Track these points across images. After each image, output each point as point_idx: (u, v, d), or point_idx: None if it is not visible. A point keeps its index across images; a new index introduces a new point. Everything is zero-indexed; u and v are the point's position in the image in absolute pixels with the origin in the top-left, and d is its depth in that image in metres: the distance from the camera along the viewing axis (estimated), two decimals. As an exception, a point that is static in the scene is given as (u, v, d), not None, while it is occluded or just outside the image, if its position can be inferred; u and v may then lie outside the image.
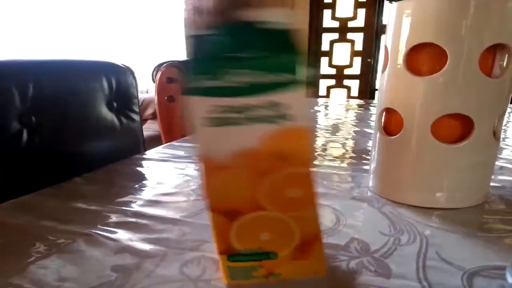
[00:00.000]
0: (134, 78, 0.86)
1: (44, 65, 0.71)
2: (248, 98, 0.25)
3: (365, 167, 0.60)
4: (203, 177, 0.26)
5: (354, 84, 3.27)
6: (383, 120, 0.48)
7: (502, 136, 0.83)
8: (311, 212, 0.28)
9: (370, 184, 0.51)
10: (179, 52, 2.91)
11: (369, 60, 3.15)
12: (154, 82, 1.31)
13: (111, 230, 0.39)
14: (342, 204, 0.46)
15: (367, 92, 3.21)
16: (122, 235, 0.38)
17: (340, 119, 1.11)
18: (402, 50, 0.42)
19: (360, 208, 0.45)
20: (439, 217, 0.42)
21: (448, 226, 0.39)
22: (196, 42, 0.24)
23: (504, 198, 0.47)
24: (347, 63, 3.26)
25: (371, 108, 1.35)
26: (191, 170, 0.60)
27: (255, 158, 0.26)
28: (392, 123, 0.46)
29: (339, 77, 3.31)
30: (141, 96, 2.37)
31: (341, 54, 3.27)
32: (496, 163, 0.62)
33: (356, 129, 0.94)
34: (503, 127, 0.93)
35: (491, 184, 0.47)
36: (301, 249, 0.29)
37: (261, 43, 0.24)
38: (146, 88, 2.53)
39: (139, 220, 0.42)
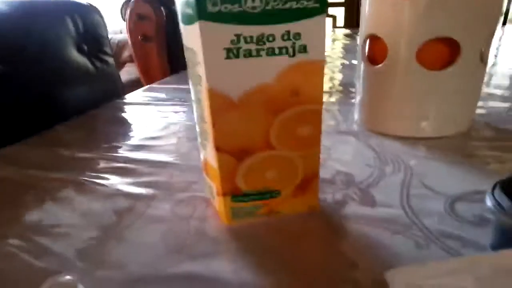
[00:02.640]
0: (101, 16, 0.81)
1: (2, 8, 0.66)
2: (267, 26, 0.23)
3: (353, 100, 0.60)
4: (209, 116, 0.25)
5: (340, 12, 3.16)
6: (366, 49, 0.47)
7: (492, 62, 0.83)
8: (316, 149, 0.29)
9: (356, 117, 0.51)
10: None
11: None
12: (124, 21, 1.24)
13: (100, 176, 0.39)
14: (329, 138, 0.46)
15: (353, 20, 3.12)
16: (112, 180, 0.38)
17: (326, 51, 1.09)
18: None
19: (346, 142, 0.46)
20: (425, 147, 0.42)
21: (434, 155, 0.40)
22: None
23: (490, 125, 0.48)
24: (331, -10, 3.13)
25: (358, 38, 1.31)
26: (174, 112, 0.60)
27: (269, 94, 0.25)
28: (376, 52, 0.45)
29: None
30: (116, 37, 2.26)
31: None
32: (485, 90, 0.62)
33: (344, 61, 0.93)
34: (494, 53, 0.92)
35: (479, 111, 0.47)
36: (301, 186, 0.30)
37: None
38: (119, 28, 2.39)
39: (127, 165, 0.42)
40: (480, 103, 0.54)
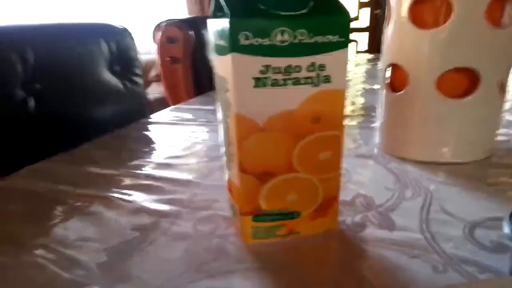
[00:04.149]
0: (133, 39, 0.85)
1: (42, 29, 0.70)
2: (294, 58, 0.25)
3: (373, 124, 0.61)
4: (235, 139, 0.27)
5: (362, 38, 3.18)
6: (388, 76, 0.48)
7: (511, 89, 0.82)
8: (336, 173, 0.30)
9: (377, 141, 0.51)
10: (179, 10, 2.84)
11: (377, 11, 3.05)
12: (154, 43, 1.29)
13: (126, 193, 0.41)
14: (349, 161, 0.46)
15: (376, 45, 3.13)
16: (136, 197, 0.40)
17: (348, 75, 1.09)
18: (406, 1, 0.41)
19: (366, 165, 0.46)
20: (445, 172, 0.42)
21: (453, 181, 0.40)
22: None
23: (510, 151, 0.48)
24: (354, 15, 3.16)
25: (380, 64, 1.31)
26: (199, 132, 0.61)
27: (292, 120, 0.27)
28: (397, 79, 0.46)
29: (346, 30, 3.21)
30: (144, 57, 2.33)
31: (347, 5, 3.16)
32: (508, 117, 0.62)
33: (366, 85, 0.93)
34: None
35: (498, 138, 0.47)
36: (321, 208, 0.31)
37: (310, 2, 0.25)
38: (148, 49, 2.47)
39: (152, 183, 0.43)
40: (503, 131, 0.54)
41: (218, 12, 0.27)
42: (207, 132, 0.61)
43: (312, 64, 0.26)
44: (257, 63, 0.25)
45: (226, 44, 0.25)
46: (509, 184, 0.39)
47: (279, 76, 0.25)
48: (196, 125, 0.65)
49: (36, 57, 0.65)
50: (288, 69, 0.25)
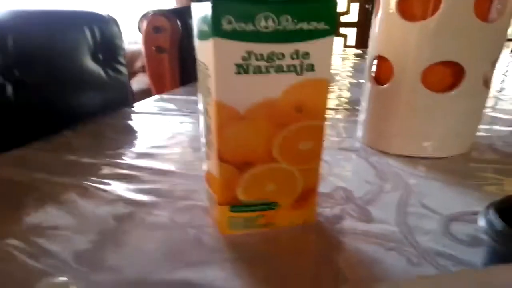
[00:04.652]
0: (119, 28, 0.83)
1: (24, 16, 0.68)
2: (278, 45, 0.24)
3: (358, 118, 0.60)
4: (215, 127, 0.26)
5: (351, 32, 3.19)
6: (374, 69, 0.48)
7: (499, 86, 0.83)
8: (316, 164, 0.29)
9: (359, 134, 0.51)
10: (167, 0, 2.80)
11: (367, 6, 3.06)
12: (140, 32, 1.27)
13: (103, 182, 0.40)
14: (331, 154, 0.46)
15: (364, 40, 3.14)
16: (114, 186, 0.39)
17: (335, 69, 1.10)
18: (395, -7, 0.41)
19: (348, 158, 0.46)
20: (425, 166, 0.43)
21: (433, 175, 0.41)
22: None
23: (492, 148, 0.48)
24: (344, 9, 3.16)
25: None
26: (181, 123, 0.60)
27: (274, 109, 0.26)
28: (382, 72, 0.46)
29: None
30: (130, 47, 2.30)
31: None
32: (490, 113, 0.62)
33: (352, 80, 0.93)
34: (502, 78, 0.93)
35: (482, 134, 0.48)
36: (300, 199, 0.30)
37: None
38: (134, 39, 2.44)
39: (132, 172, 0.42)
40: (484, 126, 0.54)
41: None
42: (191, 122, 0.60)
43: (296, 52, 0.25)
44: (239, 49, 0.24)
45: (208, 28, 0.24)
46: (487, 179, 0.40)
47: (262, 63, 0.25)
48: (180, 115, 0.64)
49: (16, 44, 0.63)
50: (271, 56, 0.25)
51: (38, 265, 0.27)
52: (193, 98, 0.76)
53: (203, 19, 0.25)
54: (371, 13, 0.46)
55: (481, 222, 0.23)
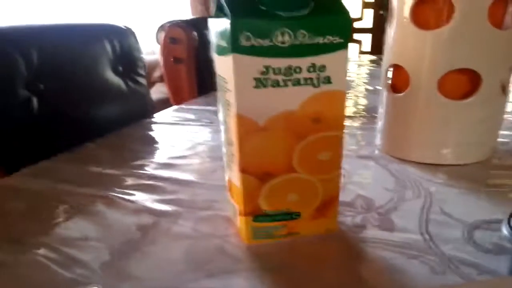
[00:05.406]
0: (136, 39, 0.85)
1: (46, 30, 0.71)
2: (294, 59, 0.25)
3: (375, 126, 0.60)
4: (236, 139, 0.27)
5: (366, 39, 3.17)
6: (390, 77, 0.48)
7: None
8: (336, 174, 0.30)
9: (378, 142, 0.51)
10: (183, 11, 2.84)
11: (381, 12, 3.05)
12: (158, 43, 1.29)
13: (128, 192, 0.41)
14: (349, 162, 0.47)
15: (379, 46, 3.11)
16: (138, 196, 0.40)
17: (351, 76, 1.09)
18: (409, 2, 0.41)
19: (367, 166, 0.46)
20: (445, 173, 0.42)
21: (453, 182, 0.40)
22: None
23: (511, 153, 0.47)
24: (358, 15, 3.16)
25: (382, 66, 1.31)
26: (202, 133, 0.61)
27: (293, 121, 0.27)
28: (399, 80, 0.46)
29: (349, 31, 3.20)
30: (148, 58, 2.34)
31: (351, 5, 3.16)
32: (510, 119, 0.61)
33: (368, 87, 0.93)
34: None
35: (500, 139, 0.47)
36: (321, 208, 0.31)
37: (311, 3, 0.25)
38: (152, 50, 2.48)
39: (154, 182, 0.43)
40: (504, 132, 0.54)
41: (219, 13, 0.27)
42: (210, 132, 0.61)
43: (313, 65, 0.26)
44: (257, 63, 0.25)
45: (227, 44, 0.25)
46: (509, 186, 0.39)
47: (280, 77, 0.26)
48: (199, 125, 0.65)
49: (40, 57, 0.65)
50: (288, 70, 0.25)
51: (68, 274, 0.28)
52: (211, 108, 0.77)
53: (222, 35, 0.26)
54: (385, 19, 0.46)
55: (504, 231, 0.24)
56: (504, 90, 0.43)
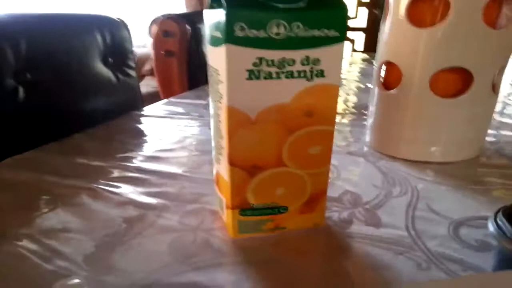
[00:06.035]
0: (129, 32, 0.84)
1: (36, 20, 0.69)
2: (288, 51, 0.25)
3: (365, 122, 0.61)
4: (226, 131, 0.27)
5: (359, 37, 3.18)
6: (382, 74, 0.48)
7: (508, 91, 0.83)
8: (325, 168, 0.29)
9: (367, 139, 0.51)
10: (177, 5, 2.82)
11: (375, 11, 3.05)
12: (150, 37, 1.28)
13: (113, 185, 0.40)
14: (339, 159, 0.46)
15: (373, 45, 3.12)
16: (124, 189, 0.39)
17: (343, 73, 1.10)
18: (404, 0, 0.41)
19: (356, 162, 0.46)
20: (433, 171, 0.43)
21: (441, 179, 0.41)
22: None
23: (500, 153, 0.48)
24: (352, 14, 3.16)
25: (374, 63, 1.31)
26: (191, 126, 0.61)
27: (284, 114, 0.27)
28: (391, 77, 0.46)
29: (343, 29, 3.20)
30: (139, 50, 2.32)
31: (346, 3, 3.16)
32: (498, 118, 0.62)
33: (359, 85, 0.93)
34: (511, 83, 0.92)
35: (489, 139, 0.48)
36: (308, 203, 0.30)
37: None
38: (143, 43, 2.46)
39: (140, 175, 0.43)
40: (492, 131, 0.54)
41: (214, 3, 0.27)
42: (199, 126, 0.61)
43: (307, 58, 0.25)
44: (251, 55, 0.25)
45: (221, 35, 0.24)
46: (496, 184, 0.40)
47: (273, 69, 0.25)
48: (188, 119, 0.65)
49: (29, 47, 0.64)
50: (282, 62, 0.25)
51: (50, 266, 0.28)
52: (201, 102, 0.77)
53: (216, 26, 0.25)
54: (380, 18, 0.46)
55: (491, 227, 0.24)
56: (494, 89, 0.43)
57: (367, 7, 3.13)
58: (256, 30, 0.24)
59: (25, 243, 0.30)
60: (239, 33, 0.24)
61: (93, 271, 0.27)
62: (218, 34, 0.25)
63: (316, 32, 0.25)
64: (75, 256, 0.29)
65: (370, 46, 3.11)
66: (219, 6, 0.24)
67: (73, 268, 0.28)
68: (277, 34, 0.24)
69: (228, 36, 0.24)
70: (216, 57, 0.26)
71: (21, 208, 0.36)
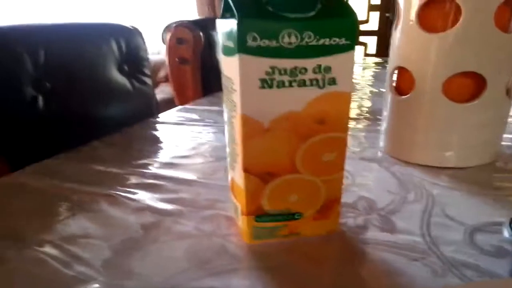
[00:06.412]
0: (143, 39, 0.86)
1: (54, 29, 0.71)
2: (300, 60, 0.25)
3: (379, 128, 0.60)
4: (240, 139, 0.27)
5: (371, 41, 3.17)
6: (395, 79, 0.48)
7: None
8: (339, 175, 0.30)
9: (381, 144, 0.51)
10: (190, 11, 2.85)
11: (387, 14, 3.04)
12: (164, 44, 1.29)
13: (130, 191, 0.41)
14: (353, 164, 0.47)
15: (385, 49, 3.11)
16: (141, 195, 0.40)
17: (356, 78, 1.09)
18: (415, 5, 0.41)
19: (370, 168, 0.46)
20: (448, 176, 0.42)
21: (456, 185, 0.40)
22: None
23: (515, 156, 0.47)
24: (364, 18, 3.15)
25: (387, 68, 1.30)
26: (205, 133, 0.62)
27: (297, 122, 0.27)
28: (403, 83, 0.46)
29: (355, 33, 3.20)
30: (153, 58, 2.35)
31: (357, 8, 3.16)
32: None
33: (373, 89, 0.93)
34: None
35: (503, 143, 0.47)
36: (323, 209, 0.31)
37: (318, 4, 0.25)
38: (157, 50, 2.49)
39: (157, 182, 0.44)
40: (508, 136, 0.53)
41: (226, 13, 0.27)
42: (213, 132, 0.62)
43: (318, 66, 0.26)
44: (263, 64, 0.25)
45: (234, 45, 0.25)
46: (510, 189, 0.39)
47: (285, 78, 0.26)
48: (203, 125, 0.66)
49: (47, 56, 0.66)
50: (294, 71, 0.26)
51: (70, 272, 0.28)
52: (215, 108, 0.78)
53: (228, 36, 0.26)
54: (392, 22, 0.46)
55: (506, 233, 0.23)
56: (509, 93, 0.43)
57: (379, 11, 3.11)
58: (268, 40, 0.24)
59: (46, 248, 0.31)
60: (251, 43, 0.24)
61: (111, 277, 0.28)
62: (231, 44, 0.25)
63: (327, 41, 0.25)
64: (94, 261, 0.30)
65: (383, 50, 3.10)
66: (232, 16, 0.25)
67: (92, 273, 0.28)
68: (289, 43, 0.25)
69: (241, 46, 0.24)
70: (229, 67, 0.27)
71: (41, 214, 0.37)
